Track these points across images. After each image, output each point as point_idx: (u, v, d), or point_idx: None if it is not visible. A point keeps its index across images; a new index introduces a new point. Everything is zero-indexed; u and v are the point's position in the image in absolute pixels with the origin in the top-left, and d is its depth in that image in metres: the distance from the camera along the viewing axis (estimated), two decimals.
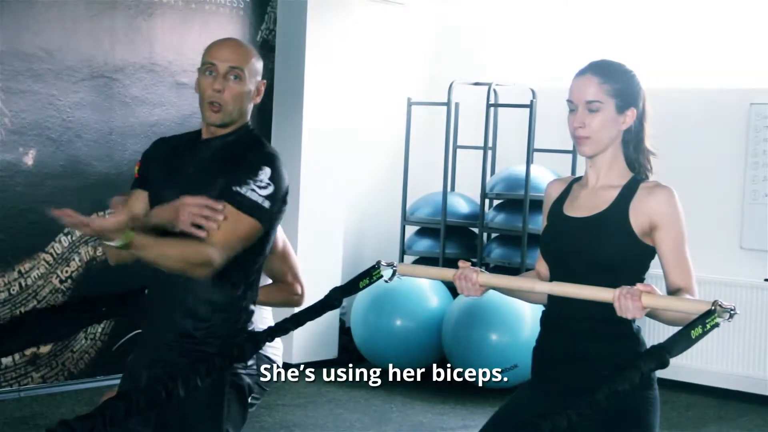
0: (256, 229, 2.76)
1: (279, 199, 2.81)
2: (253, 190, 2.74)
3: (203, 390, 2.64)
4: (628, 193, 2.68)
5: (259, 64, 2.92)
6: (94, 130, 6.21)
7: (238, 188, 2.73)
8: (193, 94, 6.42)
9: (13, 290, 5.92)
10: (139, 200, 2.96)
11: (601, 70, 2.69)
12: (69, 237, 6.14)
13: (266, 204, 2.76)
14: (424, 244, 7.51)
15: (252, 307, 2.93)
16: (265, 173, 2.78)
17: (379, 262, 2.76)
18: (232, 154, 2.84)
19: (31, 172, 5.95)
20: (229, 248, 2.70)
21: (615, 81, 2.67)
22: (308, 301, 3.19)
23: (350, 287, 2.79)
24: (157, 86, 6.46)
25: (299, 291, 3.74)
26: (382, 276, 2.75)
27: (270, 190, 2.76)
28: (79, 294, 6.17)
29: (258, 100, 2.94)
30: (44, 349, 6.09)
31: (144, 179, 2.99)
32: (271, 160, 2.82)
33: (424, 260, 7.37)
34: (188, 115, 6.56)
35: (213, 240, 2.68)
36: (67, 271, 6.16)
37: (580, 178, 2.83)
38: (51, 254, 6.08)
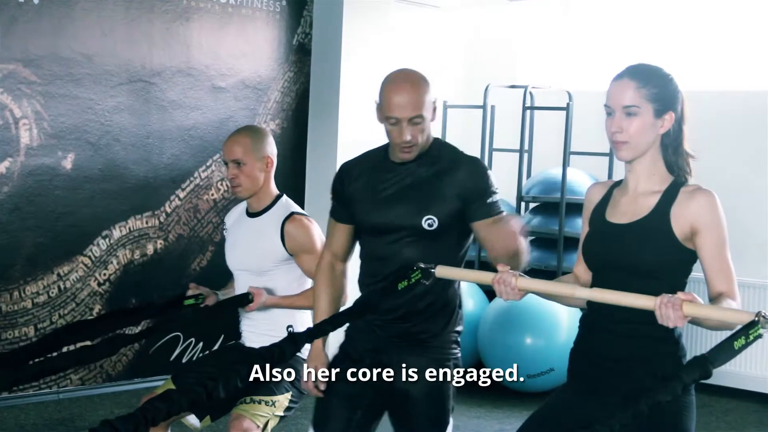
0: None
1: None
2: (495, 193, 3.17)
3: None
4: (668, 198, 2.68)
5: (429, 95, 3.21)
6: (131, 134, 6.26)
7: (491, 199, 3.15)
8: (230, 98, 6.57)
9: (52, 293, 5.98)
10: (341, 233, 3.36)
11: (638, 75, 2.68)
12: (107, 240, 6.20)
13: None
14: None
15: None
16: (490, 175, 3.19)
17: (417, 264, 2.77)
18: (448, 168, 3.18)
19: (70, 176, 6.01)
20: None
21: (653, 85, 2.66)
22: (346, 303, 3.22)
23: (389, 289, 2.81)
24: (195, 90, 6.51)
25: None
26: (420, 278, 2.76)
27: (496, 184, 3.19)
28: (116, 297, 6.22)
29: (435, 117, 3.27)
30: None
31: (344, 211, 3.34)
32: (481, 163, 3.27)
33: None
34: (225, 118, 6.61)
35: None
36: (105, 275, 6.21)
37: (620, 182, 2.82)
38: (89, 257, 6.15)
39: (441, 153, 3.24)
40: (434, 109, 3.23)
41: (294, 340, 2.70)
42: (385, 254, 3.19)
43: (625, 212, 2.74)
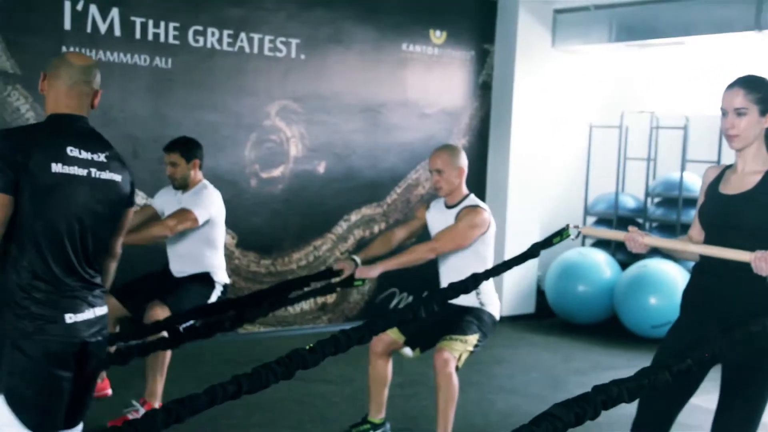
0: None
1: None
2: None
3: None
4: None
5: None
6: (364, 148, 6.40)
7: None
8: (434, 122, 6.35)
9: (310, 259, 6.21)
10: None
11: (746, 83, 2.60)
12: (347, 222, 6.39)
13: None
14: None
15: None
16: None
17: (568, 225, 2.75)
18: None
19: (323, 177, 6.21)
20: None
21: (758, 91, 2.58)
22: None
23: (546, 242, 2.79)
24: (409, 117, 6.59)
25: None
26: (569, 235, 2.73)
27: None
28: None
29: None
30: (330, 299, 6.37)
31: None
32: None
33: (599, 243, 7.19)
34: (429, 136, 6.66)
35: None
36: (345, 247, 6.39)
37: (731, 165, 2.74)
38: (335, 234, 6.34)
39: None
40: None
41: (475, 278, 2.73)
42: None
43: (734, 186, 2.65)
